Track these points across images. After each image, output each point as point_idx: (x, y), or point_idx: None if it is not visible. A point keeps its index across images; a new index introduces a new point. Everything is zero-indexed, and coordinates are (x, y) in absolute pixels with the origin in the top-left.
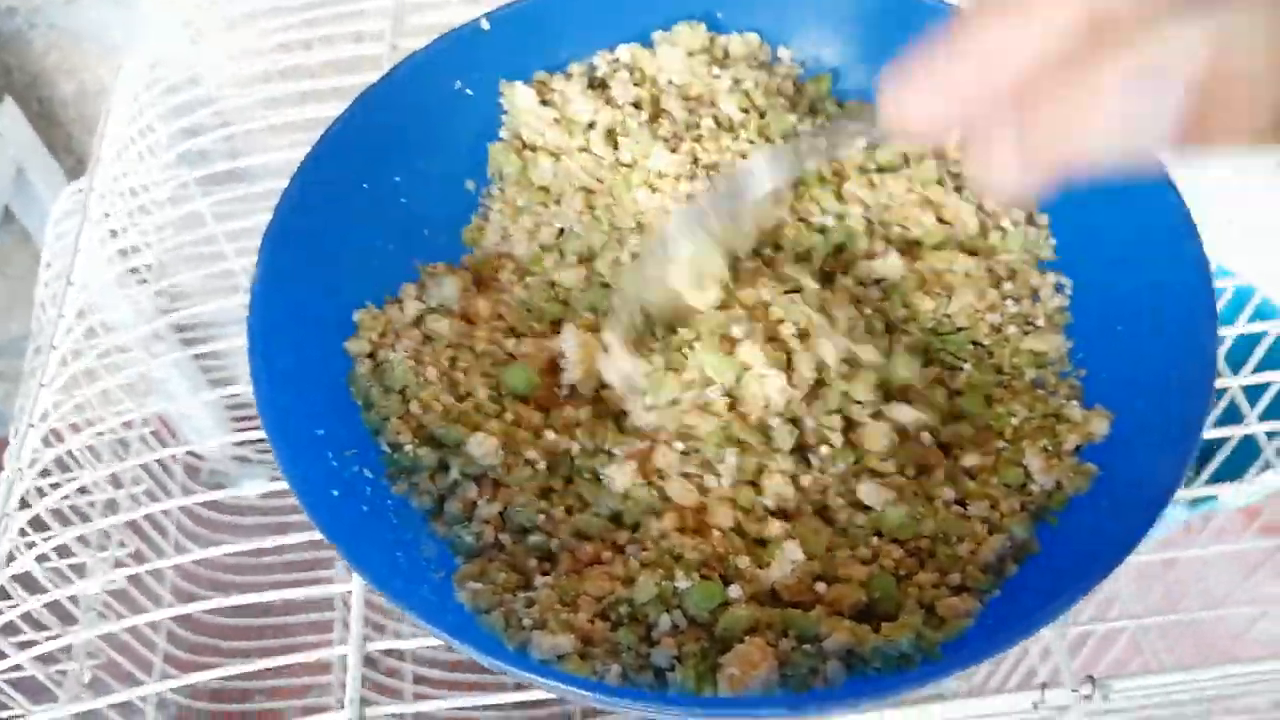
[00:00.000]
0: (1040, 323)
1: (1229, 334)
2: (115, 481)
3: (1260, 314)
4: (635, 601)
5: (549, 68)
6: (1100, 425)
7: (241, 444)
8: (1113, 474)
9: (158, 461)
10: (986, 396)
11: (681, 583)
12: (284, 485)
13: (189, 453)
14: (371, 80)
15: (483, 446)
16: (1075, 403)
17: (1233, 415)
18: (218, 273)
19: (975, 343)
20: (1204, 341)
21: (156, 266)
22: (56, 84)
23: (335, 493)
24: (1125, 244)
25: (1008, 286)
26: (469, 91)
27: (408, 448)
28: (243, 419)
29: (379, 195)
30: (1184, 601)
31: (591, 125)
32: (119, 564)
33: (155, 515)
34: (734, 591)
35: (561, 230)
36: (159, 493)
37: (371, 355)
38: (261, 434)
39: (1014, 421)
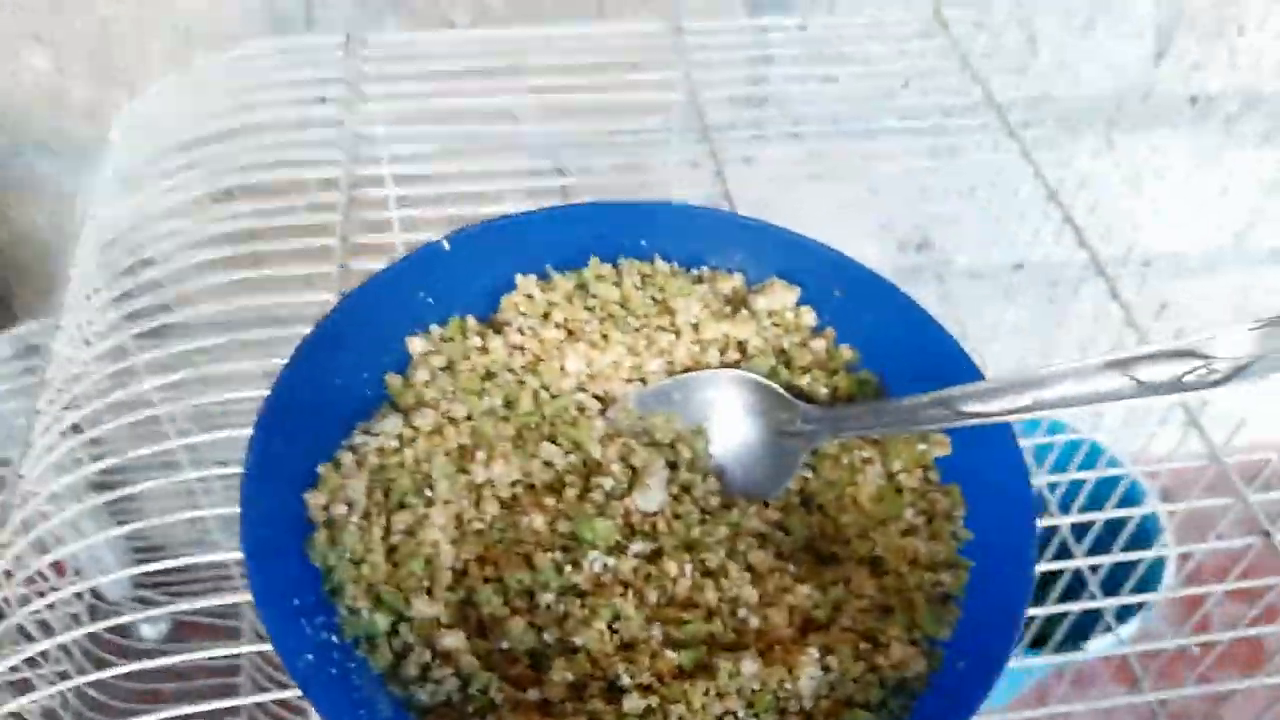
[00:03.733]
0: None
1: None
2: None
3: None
4: None
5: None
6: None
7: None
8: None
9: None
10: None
11: None
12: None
13: (93, 592)
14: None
15: (426, 610)
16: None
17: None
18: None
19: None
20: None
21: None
22: None
23: (309, 657)
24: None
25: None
26: (430, 300)
27: (363, 612)
28: (144, 558)
29: (347, 383)
30: None
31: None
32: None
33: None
34: None
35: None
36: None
37: (326, 510)
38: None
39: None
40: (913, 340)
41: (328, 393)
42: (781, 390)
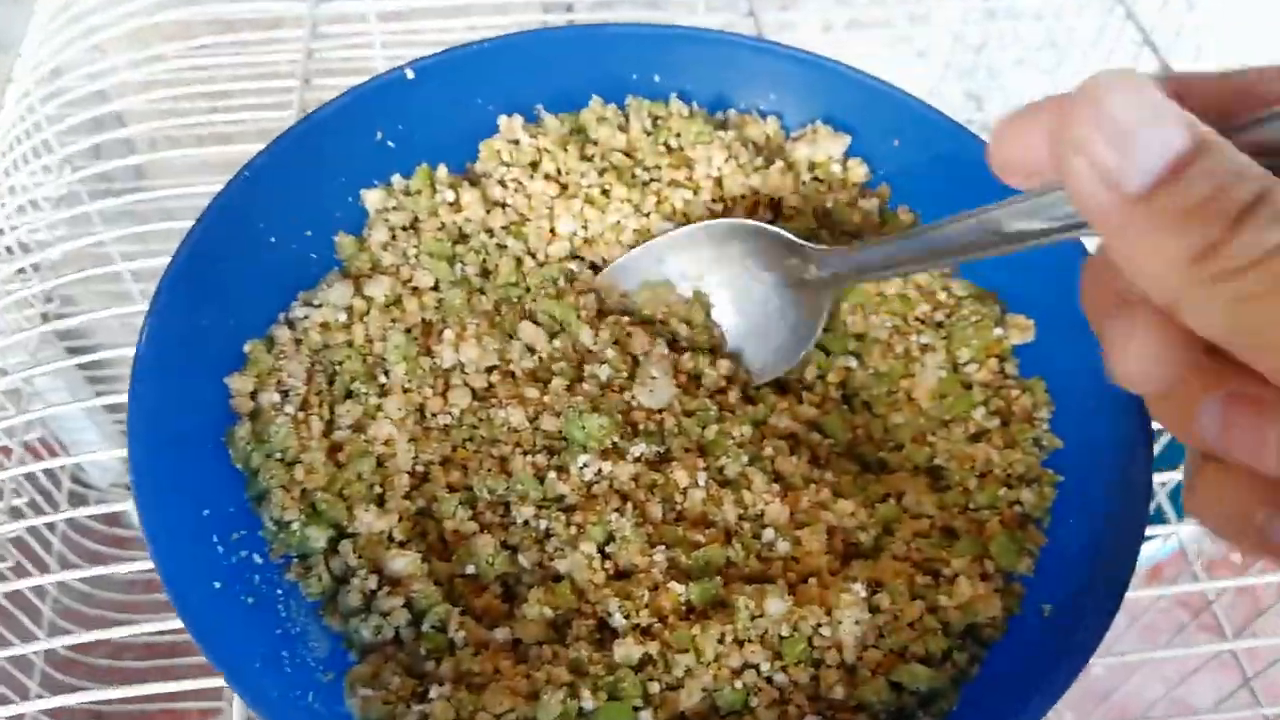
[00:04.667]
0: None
1: None
2: None
3: None
4: None
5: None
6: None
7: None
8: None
9: (43, 474)
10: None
11: (588, 703)
12: None
13: (74, 478)
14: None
15: (374, 523)
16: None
17: None
18: (107, 279)
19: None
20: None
21: (44, 268)
22: None
23: (216, 584)
24: None
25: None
26: (391, 144)
27: (294, 525)
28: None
29: (284, 241)
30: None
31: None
32: None
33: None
34: (645, 717)
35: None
36: (43, 505)
37: (253, 398)
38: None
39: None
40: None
41: (259, 251)
42: (785, 232)
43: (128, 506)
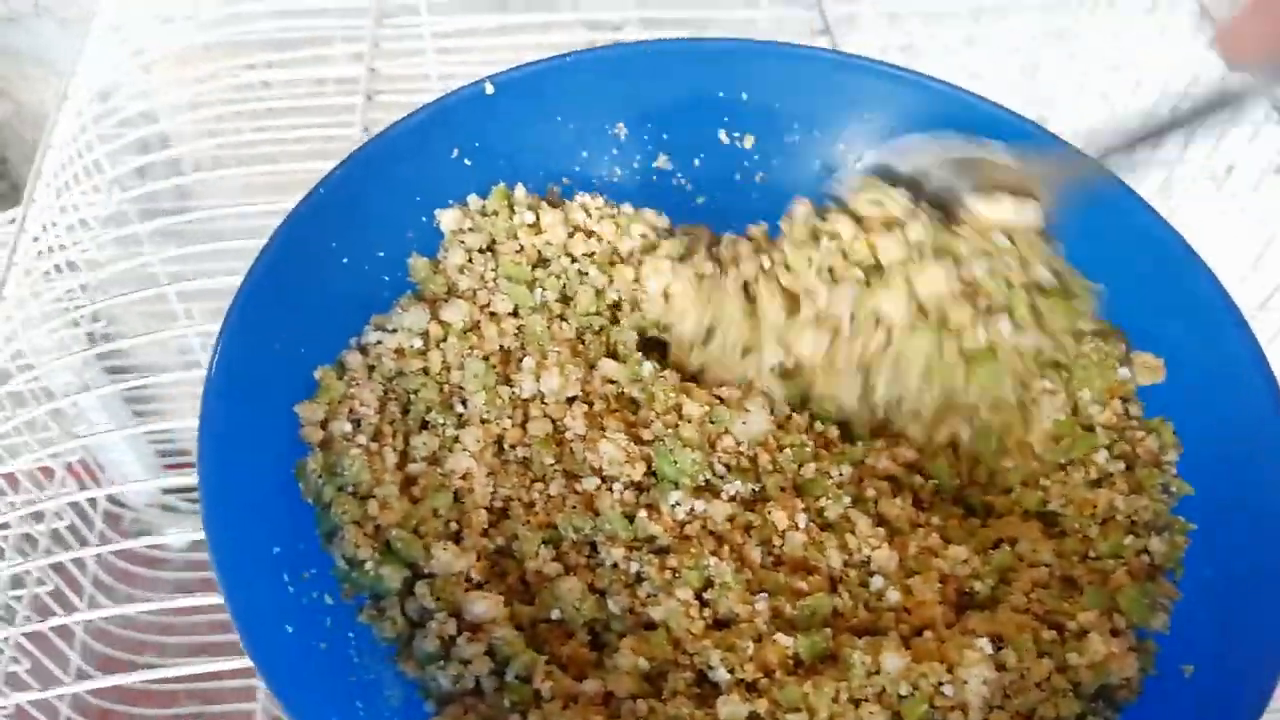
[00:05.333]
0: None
1: None
2: (36, 516)
3: None
4: None
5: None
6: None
7: (169, 491)
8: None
9: (78, 504)
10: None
11: None
12: None
13: (110, 498)
14: (341, 129)
15: (452, 563)
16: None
17: None
18: (153, 300)
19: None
20: None
21: (92, 288)
22: None
23: (289, 628)
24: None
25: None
26: (467, 162)
27: (368, 564)
28: (173, 465)
29: (357, 262)
30: None
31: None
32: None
33: (68, 565)
34: None
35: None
36: (81, 531)
37: (324, 428)
38: (192, 479)
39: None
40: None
41: (331, 272)
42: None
43: (164, 538)
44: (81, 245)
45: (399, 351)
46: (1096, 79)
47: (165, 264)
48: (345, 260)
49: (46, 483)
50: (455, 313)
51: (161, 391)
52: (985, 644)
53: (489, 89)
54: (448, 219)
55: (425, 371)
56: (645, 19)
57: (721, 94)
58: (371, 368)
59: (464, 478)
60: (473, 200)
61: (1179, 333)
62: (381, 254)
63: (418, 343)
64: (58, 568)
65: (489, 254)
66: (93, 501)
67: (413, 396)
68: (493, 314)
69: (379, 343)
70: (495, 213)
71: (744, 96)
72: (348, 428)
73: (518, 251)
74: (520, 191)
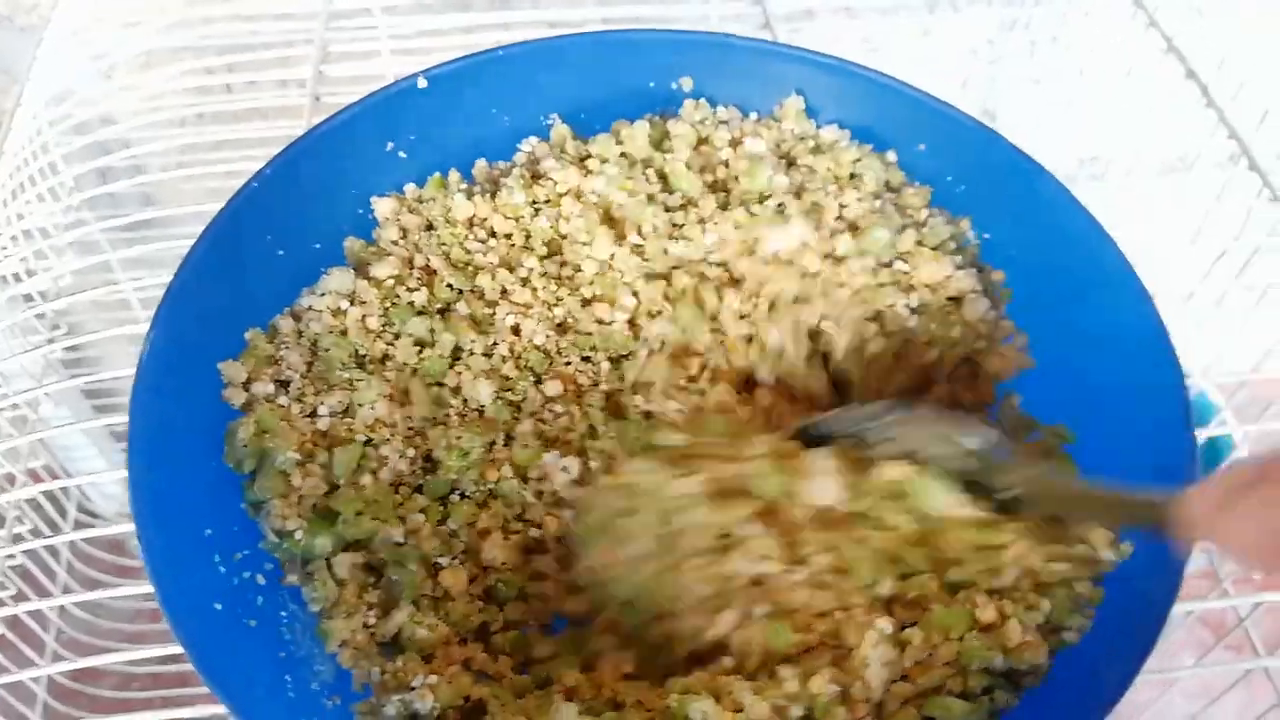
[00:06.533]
0: None
1: None
2: None
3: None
4: None
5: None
6: None
7: None
8: None
9: (49, 503)
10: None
11: None
12: None
13: (82, 508)
14: (292, 131)
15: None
16: None
17: None
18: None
19: None
20: None
21: (54, 312)
22: None
23: (217, 606)
24: None
25: None
26: (402, 155)
27: (297, 533)
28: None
29: (293, 254)
30: None
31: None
32: None
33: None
34: None
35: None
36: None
37: (247, 389)
38: None
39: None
40: None
41: (266, 264)
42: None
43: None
44: (39, 250)
45: (335, 313)
46: (1052, 70)
47: (124, 268)
48: (280, 253)
49: (8, 486)
50: (385, 269)
51: (126, 399)
52: (886, 624)
53: (422, 83)
54: (383, 207)
55: (344, 333)
56: (606, 18)
57: (652, 84)
58: (300, 332)
59: (371, 428)
60: (409, 189)
61: None
62: (318, 246)
63: (345, 304)
64: (25, 571)
65: (427, 232)
66: (62, 511)
67: (324, 355)
68: (428, 268)
69: (309, 307)
70: (431, 199)
71: (674, 86)
72: (270, 388)
73: (457, 228)
74: (454, 176)
